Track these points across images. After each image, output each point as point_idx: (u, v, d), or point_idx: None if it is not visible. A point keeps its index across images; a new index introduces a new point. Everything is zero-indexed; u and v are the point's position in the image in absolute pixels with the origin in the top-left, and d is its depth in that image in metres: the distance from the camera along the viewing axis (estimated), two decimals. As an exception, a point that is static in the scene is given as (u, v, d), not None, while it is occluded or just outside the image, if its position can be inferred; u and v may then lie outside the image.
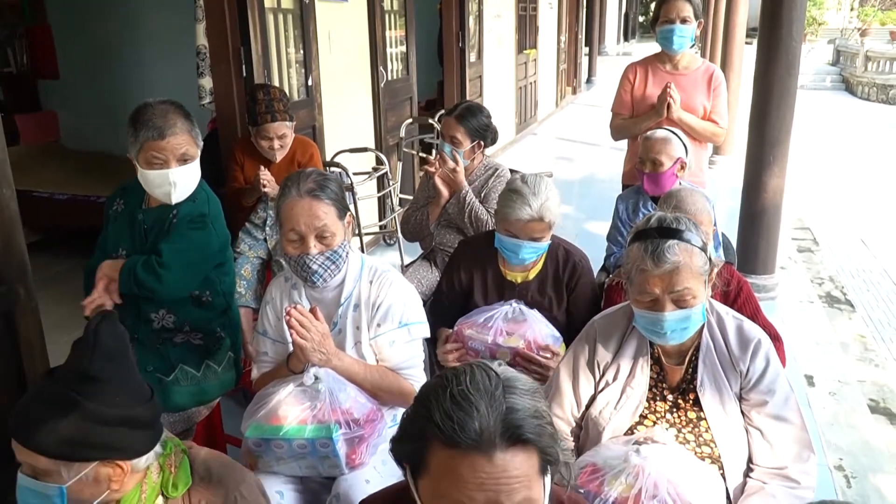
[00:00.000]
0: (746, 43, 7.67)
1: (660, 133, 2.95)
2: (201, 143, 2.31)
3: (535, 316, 2.40)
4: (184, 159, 2.23)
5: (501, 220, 2.42)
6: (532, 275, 2.51)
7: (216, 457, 1.57)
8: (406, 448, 1.07)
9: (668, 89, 3.33)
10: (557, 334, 2.41)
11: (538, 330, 2.36)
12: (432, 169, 3.14)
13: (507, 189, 2.44)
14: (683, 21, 3.32)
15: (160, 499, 1.48)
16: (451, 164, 3.08)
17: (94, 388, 1.34)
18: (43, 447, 1.31)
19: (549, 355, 2.31)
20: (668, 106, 3.33)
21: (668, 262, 1.66)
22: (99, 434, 1.34)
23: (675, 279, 1.67)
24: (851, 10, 25.07)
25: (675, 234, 1.69)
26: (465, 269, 2.58)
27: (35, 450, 1.32)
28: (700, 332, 1.81)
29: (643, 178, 2.96)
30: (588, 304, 2.50)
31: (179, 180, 2.23)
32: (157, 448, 1.47)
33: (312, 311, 1.90)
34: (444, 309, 2.59)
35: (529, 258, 2.45)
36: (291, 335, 1.85)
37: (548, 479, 1.09)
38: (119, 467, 1.38)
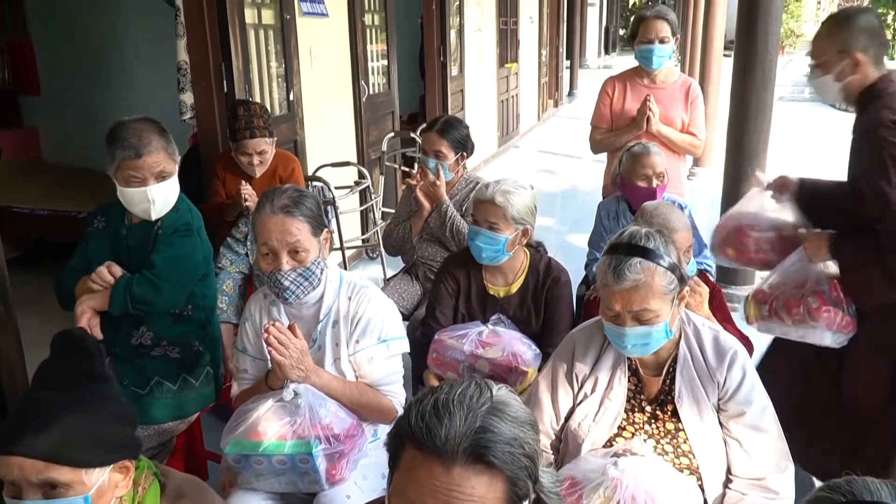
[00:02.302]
0: (724, 55, 7.76)
1: (651, 148, 2.96)
2: (178, 159, 2.32)
3: (510, 334, 2.42)
4: (161, 176, 2.24)
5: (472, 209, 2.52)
6: (514, 288, 2.53)
7: (191, 482, 1.56)
8: (389, 442, 1.08)
9: (648, 102, 3.37)
10: (536, 350, 2.43)
11: (516, 346, 2.38)
12: (414, 182, 3.16)
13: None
14: (661, 41, 3.38)
15: None
16: (431, 177, 3.10)
17: (106, 387, 1.35)
18: (64, 455, 1.23)
19: None
20: (648, 119, 3.37)
21: (628, 279, 1.67)
22: (117, 433, 1.34)
23: (634, 297, 1.69)
24: (829, 22, 25.44)
25: (642, 252, 1.69)
26: (451, 283, 2.60)
27: (55, 460, 1.23)
28: (677, 343, 1.83)
29: (634, 192, 2.97)
30: (563, 318, 2.51)
31: (158, 197, 2.24)
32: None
33: (291, 327, 1.90)
34: (440, 324, 2.59)
35: (487, 250, 2.45)
36: (270, 353, 1.85)
37: None
38: (125, 468, 1.37)
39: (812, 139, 10.93)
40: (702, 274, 2.49)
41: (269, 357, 1.90)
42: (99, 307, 2.22)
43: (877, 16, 2.35)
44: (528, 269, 2.54)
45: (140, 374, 2.32)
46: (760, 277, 4.00)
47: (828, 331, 2.27)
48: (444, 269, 2.66)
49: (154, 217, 2.28)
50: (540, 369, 2.39)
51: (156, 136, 2.22)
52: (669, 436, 1.81)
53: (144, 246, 2.31)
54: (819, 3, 26.19)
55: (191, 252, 2.35)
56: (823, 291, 2.28)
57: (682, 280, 1.76)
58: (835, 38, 2.30)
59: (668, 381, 1.83)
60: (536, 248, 2.63)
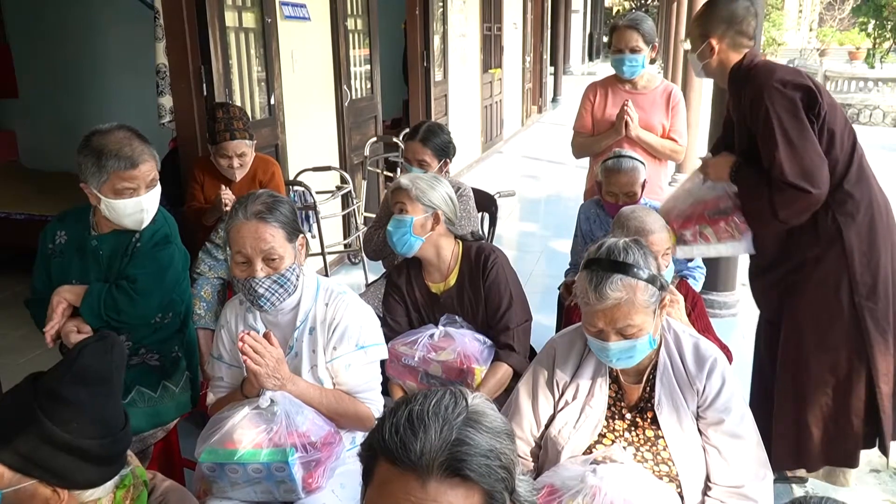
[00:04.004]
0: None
1: (625, 164, 2.91)
2: (159, 164, 2.29)
3: (462, 333, 2.40)
4: (152, 184, 2.21)
5: None
6: (452, 281, 2.51)
7: (176, 490, 1.53)
8: (362, 454, 1.06)
9: (626, 107, 3.37)
10: (489, 343, 2.42)
11: (468, 343, 2.36)
12: None
13: None
14: (633, 50, 3.40)
15: None
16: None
17: (55, 407, 1.30)
18: None
19: None
20: (626, 124, 3.38)
21: (610, 298, 1.66)
22: (44, 454, 1.29)
23: (617, 314, 1.68)
24: (811, 30, 25.69)
25: (621, 268, 1.67)
26: (395, 290, 2.58)
27: None
28: (658, 350, 1.82)
29: (605, 204, 2.97)
30: (504, 297, 2.45)
31: (150, 206, 2.22)
32: (113, 481, 1.42)
33: (266, 335, 1.87)
34: (395, 332, 2.56)
35: (395, 233, 2.43)
36: (245, 362, 1.82)
37: None
38: (56, 494, 1.34)
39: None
40: (682, 281, 2.48)
41: (244, 364, 1.87)
42: (75, 302, 2.18)
43: (745, 5, 2.44)
44: (461, 259, 2.52)
45: None
46: (742, 284, 4.02)
47: (748, 240, 2.48)
48: (388, 280, 2.66)
49: (144, 226, 2.25)
50: (494, 360, 2.39)
51: (143, 144, 2.18)
52: (649, 443, 1.80)
53: (119, 257, 2.27)
54: (801, 11, 26.45)
55: (171, 263, 2.32)
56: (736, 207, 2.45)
57: (663, 288, 1.75)
58: (700, 22, 2.48)
59: (648, 388, 1.82)
60: (474, 239, 2.59)
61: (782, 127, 2.25)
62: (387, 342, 2.49)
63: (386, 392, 2.50)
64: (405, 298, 2.56)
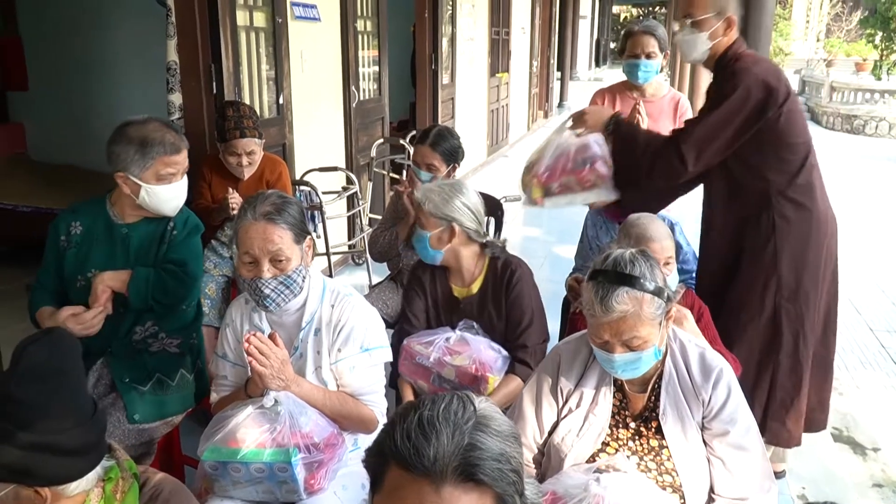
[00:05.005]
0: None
1: None
2: None
3: (478, 341, 2.40)
4: (186, 171, 2.31)
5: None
6: (475, 288, 2.52)
7: (168, 482, 1.53)
8: (369, 461, 1.05)
9: (637, 107, 3.36)
10: (505, 353, 2.42)
11: (483, 351, 2.37)
12: (402, 189, 3.14)
13: None
14: (648, 56, 3.38)
15: None
16: (419, 184, 3.07)
17: (11, 409, 1.29)
18: None
19: None
20: (637, 123, 3.36)
21: (616, 311, 1.66)
22: (12, 457, 1.29)
23: (623, 327, 1.67)
24: (818, 40, 25.66)
25: (628, 280, 1.67)
26: (418, 286, 2.58)
27: None
28: (663, 360, 1.82)
29: (614, 215, 2.97)
30: (526, 314, 2.46)
31: (183, 192, 2.32)
32: (96, 473, 1.41)
33: (272, 336, 1.87)
34: (414, 326, 2.56)
35: (418, 247, 2.50)
36: (250, 362, 1.82)
37: None
38: (38, 493, 1.34)
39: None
40: (688, 291, 2.48)
41: (248, 365, 1.87)
42: (118, 289, 2.23)
43: None
44: (486, 269, 2.52)
45: (141, 369, 2.31)
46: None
47: (609, 185, 2.65)
48: (412, 273, 2.66)
49: (176, 212, 2.33)
50: (508, 371, 2.39)
51: (177, 133, 2.28)
52: (653, 453, 1.79)
53: (149, 246, 2.32)
54: (808, 21, 26.43)
55: (201, 252, 2.45)
56: (598, 156, 2.62)
57: (670, 299, 1.74)
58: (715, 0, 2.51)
59: (653, 397, 1.82)
60: (501, 248, 2.59)
61: (727, 108, 2.42)
62: (403, 334, 2.52)
63: (394, 385, 2.51)
64: (426, 294, 2.57)
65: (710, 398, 1.76)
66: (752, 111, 2.42)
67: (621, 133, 2.61)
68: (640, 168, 2.56)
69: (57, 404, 1.34)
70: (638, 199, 2.68)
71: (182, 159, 2.27)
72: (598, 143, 2.64)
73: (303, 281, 1.98)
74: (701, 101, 2.69)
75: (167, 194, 2.26)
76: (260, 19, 4.20)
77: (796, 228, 2.54)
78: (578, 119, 2.72)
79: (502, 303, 2.48)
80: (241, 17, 3.99)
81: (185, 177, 2.32)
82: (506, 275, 2.48)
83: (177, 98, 3.77)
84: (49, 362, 1.34)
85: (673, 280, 2.30)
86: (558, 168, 2.67)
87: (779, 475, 2.89)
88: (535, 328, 2.46)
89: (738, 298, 2.60)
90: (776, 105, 2.42)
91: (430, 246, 2.44)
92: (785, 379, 2.63)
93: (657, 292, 1.69)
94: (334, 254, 4.61)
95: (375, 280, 4.24)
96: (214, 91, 3.79)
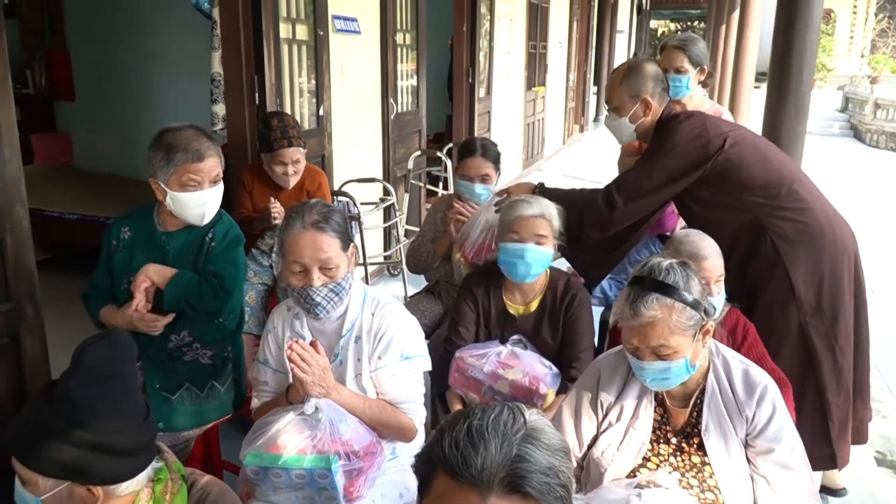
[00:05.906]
0: (755, 87, 7.72)
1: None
2: (223, 164, 2.36)
3: (529, 356, 2.40)
4: (215, 181, 2.28)
5: (505, 226, 2.46)
6: (533, 307, 2.51)
7: (216, 484, 1.56)
8: (418, 466, 1.06)
9: None
10: (556, 370, 2.40)
11: (535, 366, 2.36)
12: (456, 215, 3.05)
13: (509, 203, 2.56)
14: (677, 71, 3.37)
15: None
16: (467, 214, 3.04)
17: (69, 409, 1.33)
18: (20, 456, 1.34)
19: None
20: None
21: (644, 315, 1.66)
22: (68, 455, 1.33)
23: (650, 333, 1.67)
24: (862, 56, 25.25)
25: (660, 287, 1.67)
26: (471, 300, 2.57)
27: (16, 458, 1.35)
28: (706, 374, 1.80)
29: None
30: (582, 338, 2.47)
31: (211, 201, 2.29)
32: (146, 474, 1.44)
33: (313, 344, 1.89)
34: (463, 339, 2.56)
35: (534, 265, 2.41)
36: (292, 369, 1.84)
37: None
38: (91, 492, 1.37)
39: (840, 173, 10.84)
40: (733, 310, 2.43)
41: (290, 371, 1.89)
42: (157, 283, 2.25)
43: (658, 65, 2.70)
44: (546, 287, 2.52)
45: (172, 377, 2.33)
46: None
47: None
48: (464, 286, 2.64)
49: (205, 221, 2.32)
50: (559, 391, 2.38)
51: (210, 141, 2.27)
52: (695, 469, 1.77)
53: (187, 254, 2.34)
54: (852, 37, 26.01)
55: (244, 263, 2.43)
56: None
57: (707, 313, 1.73)
58: (627, 85, 2.59)
59: (695, 413, 1.80)
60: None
61: (659, 157, 2.52)
62: (451, 346, 2.52)
63: (442, 400, 2.51)
64: (479, 308, 2.56)
65: (753, 415, 1.74)
66: (687, 159, 2.48)
67: (550, 194, 2.64)
68: (571, 223, 2.57)
69: (113, 405, 1.38)
70: (582, 260, 2.76)
71: (207, 168, 2.23)
72: None
73: (349, 288, 2.00)
74: (741, 120, 2.70)
75: (191, 202, 2.24)
76: (302, 32, 4.26)
77: (800, 244, 2.49)
78: (503, 192, 2.81)
79: (559, 323, 2.48)
80: (284, 30, 4.05)
81: (217, 187, 2.29)
82: (566, 297, 2.49)
83: (220, 109, 3.85)
84: (108, 364, 1.38)
85: (720, 300, 2.26)
86: (485, 245, 2.78)
87: (839, 492, 2.85)
88: (591, 352, 2.46)
89: (762, 326, 2.52)
90: (715, 149, 2.46)
91: (549, 264, 2.47)
92: (834, 397, 2.55)
93: (691, 304, 1.68)
94: (370, 264, 4.64)
95: (411, 291, 4.25)
96: (257, 102, 3.85)
